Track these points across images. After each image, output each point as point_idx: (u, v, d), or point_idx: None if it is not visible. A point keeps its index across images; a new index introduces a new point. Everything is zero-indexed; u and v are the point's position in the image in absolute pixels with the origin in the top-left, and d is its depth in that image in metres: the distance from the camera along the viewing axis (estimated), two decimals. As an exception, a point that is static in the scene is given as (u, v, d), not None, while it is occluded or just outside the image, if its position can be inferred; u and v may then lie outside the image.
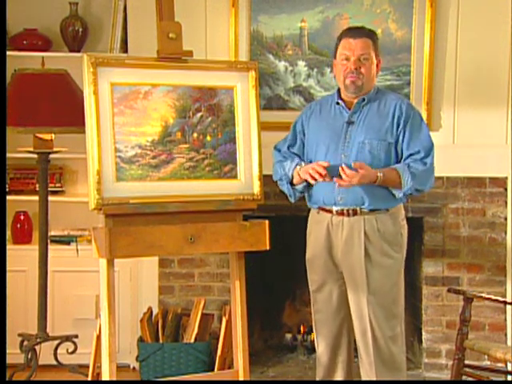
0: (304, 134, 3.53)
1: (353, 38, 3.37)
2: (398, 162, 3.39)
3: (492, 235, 4.38)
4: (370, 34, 3.42)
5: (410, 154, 3.37)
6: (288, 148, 3.55)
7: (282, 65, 4.38)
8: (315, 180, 3.31)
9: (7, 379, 3.84)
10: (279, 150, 3.58)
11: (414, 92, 4.31)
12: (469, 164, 4.33)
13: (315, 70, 4.37)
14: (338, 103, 3.46)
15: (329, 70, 4.31)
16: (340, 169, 3.25)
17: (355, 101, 3.41)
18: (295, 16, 4.33)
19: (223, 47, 4.32)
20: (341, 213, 3.39)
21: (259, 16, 4.33)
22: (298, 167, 3.42)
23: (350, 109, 3.43)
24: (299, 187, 3.47)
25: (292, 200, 3.54)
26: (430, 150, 3.39)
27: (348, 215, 3.38)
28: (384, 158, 3.37)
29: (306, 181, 3.39)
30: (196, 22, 4.28)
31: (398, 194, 3.37)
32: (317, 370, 3.61)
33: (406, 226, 3.51)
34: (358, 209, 3.37)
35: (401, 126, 3.38)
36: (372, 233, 3.37)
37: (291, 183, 3.48)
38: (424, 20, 4.24)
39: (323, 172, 3.26)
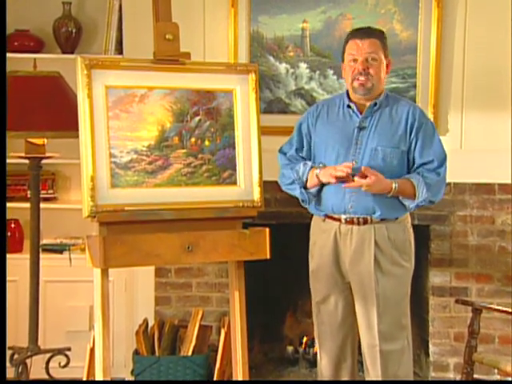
0: (311, 137, 3.48)
1: (359, 39, 3.33)
2: (409, 169, 3.35)
3: (501, 244, 4.32)
4: (377, 34, 3.38)
5: (423, 163, 3.34)
6: (296, 151, 3.49)
7: (282, 67, 4.33)
8: (338, 179, 3.24)
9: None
10: (285, 154, 3.52)
11: (419, 95, 4.27)
12: (477, 170, 4.27)
13: (317, 72, 4.33)
14: (349, 106, 3.40)
15: (331, 72, 4.28)
16: (363, 169, 3.20)
17: (367, 104, 3.36)
18: (296, 16, 4.29)
19: (222, 49, 4.27)
20: (350, 221, 3.34)
21: (259, 16, 4.29)
22: (317, 170, 3.34)
23: (360, 112, 3.37)
24: (313, 191, 3.41)
25: (307, 205, 3.48)
26: (443, 160, 3.36)
27: (358, 224, 3.33)
28: (397, 165, 3.32)
29: (318, 184, 3.35)
30: (194, 23, 4.25)
31: (410, 204, 3.33)
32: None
33: (412, 234, 3.46)
34: (368, 217, 3.32)
35: (413, 134, 3.34)
36: (383, 242, 3.32)
37: (304, 187, 3.42)
38: (430, 20, 4.20)
39: (349, 171, 3.20)
